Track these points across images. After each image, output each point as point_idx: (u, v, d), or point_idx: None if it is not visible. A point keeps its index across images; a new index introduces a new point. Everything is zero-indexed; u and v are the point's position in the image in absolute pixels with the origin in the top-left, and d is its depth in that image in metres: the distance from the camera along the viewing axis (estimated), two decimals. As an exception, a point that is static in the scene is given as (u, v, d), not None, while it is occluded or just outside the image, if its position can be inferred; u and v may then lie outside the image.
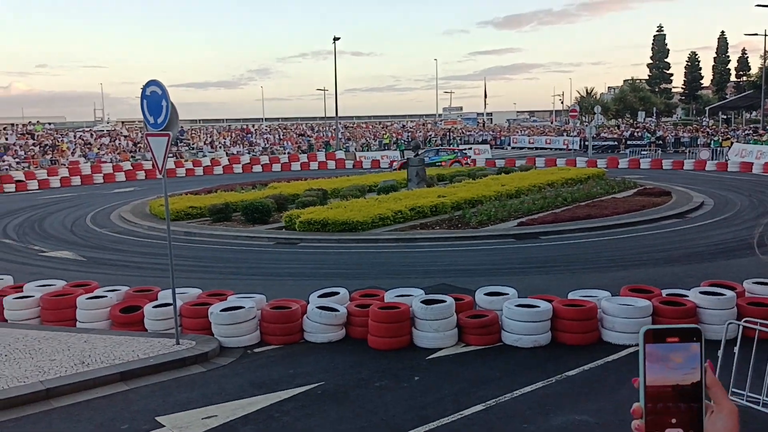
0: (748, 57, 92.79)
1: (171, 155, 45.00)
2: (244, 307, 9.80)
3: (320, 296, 10.52)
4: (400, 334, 9.47)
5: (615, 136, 58.85)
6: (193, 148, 52.83)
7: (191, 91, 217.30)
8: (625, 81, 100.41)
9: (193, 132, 62.15)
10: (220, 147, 53.65)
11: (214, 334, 9.75)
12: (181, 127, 62.36)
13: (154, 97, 9.18)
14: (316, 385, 8.16)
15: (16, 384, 7.98)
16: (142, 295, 11.06)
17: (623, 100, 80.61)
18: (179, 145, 51.28)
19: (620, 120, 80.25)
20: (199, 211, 22.14)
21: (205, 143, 54.98)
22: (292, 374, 8.58)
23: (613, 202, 23.03)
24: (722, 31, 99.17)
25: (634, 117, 76.93)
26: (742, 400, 6.81)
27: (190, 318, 10.00)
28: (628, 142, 53.01)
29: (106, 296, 10.81)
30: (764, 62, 58.74)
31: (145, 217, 23.06)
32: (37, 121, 58.63)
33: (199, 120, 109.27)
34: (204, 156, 48.57)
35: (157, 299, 10.81)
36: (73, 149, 46.65)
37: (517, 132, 72.04)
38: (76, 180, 38.37)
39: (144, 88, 9.23)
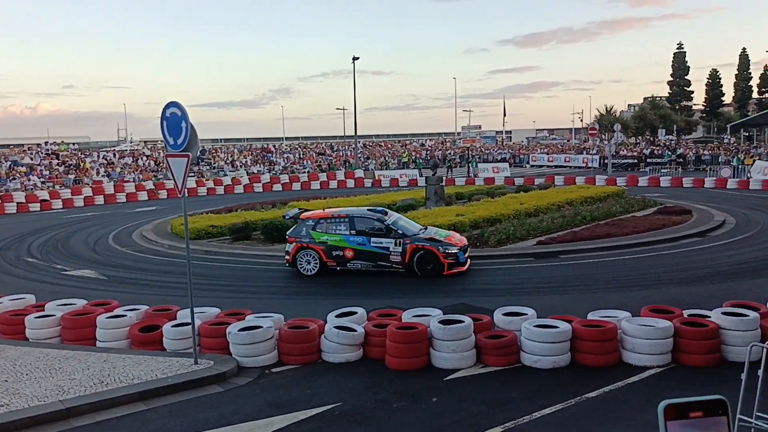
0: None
1: (192, 174, 45.54)
2: (262, 327, 9.82)
3: (338, 316, 10.53)
4: (418, 355, 9.43)
5: (635, 153, 58.49)
6: (214, 168, 53.34)
7: (213, 111, 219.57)
8: (645, 98, 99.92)
9: (214, 151, 62.74)
10: (241, 166, 54.11)
11: (232, 353, 9.77)
12: (202, 146, 63.06)
13: (173, 118, 9.30)
14: (333, 405, 8.14)
15: (37, 403, 8.05)
16: (161, 315, 11.13)
17: (643, 117, 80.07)
18: (200, 164, 51.80)
19: (640, 138, 79.72)
20: (219, 230, 22.28)
21: (226, 162, 55.49)
22: (310, 395, 8.56)
23: (632, 221, 22.83)
24: (743, 48, 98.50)
25: (654, 135, 76.44)
26: (767, 424, 6.67)
27: (208, 337, 10.05)
28: (648, 160, 52.64)
29: (125, 315, 10.90)
30: (786, 79, 58.15)
31: (166, 236, 23.26)
32: (62, 141, 59.59)
33: (221, 139, 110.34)
34: (225, 175, 49.01)
35: (175, 318, 10.87)
36: (97, 168, 47.30)
37: (537, 150, 71.87)
38: (99, 199, 38.88)
39: (164, 110, 9.35)
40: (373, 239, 15.96)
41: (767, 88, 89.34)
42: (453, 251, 15.78)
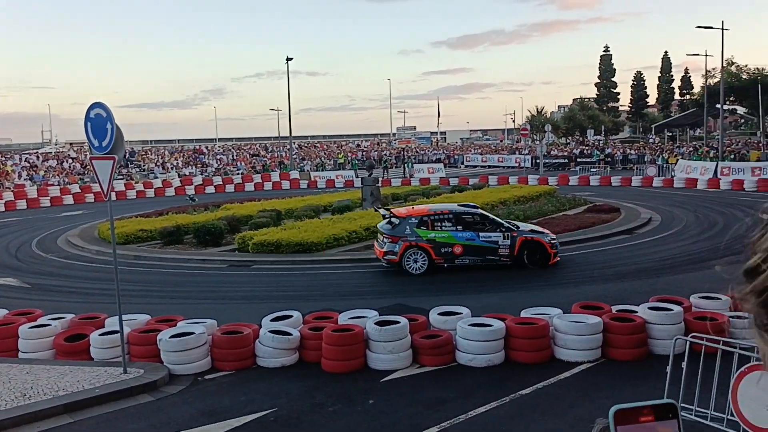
0: (690, 76, 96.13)
1: (121, 177, 44.28)
2: (194, 333, 9.59)
3: (273, 320, 10.38)
4: (354, 357, 9.39)
5: (565, 153, 60.04)
6: (144, 170, 51.96)
7: (144, 112, 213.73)
8: (574, 100, 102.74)
9: (144, 153, 61.13)
10: (172, 168, 52.88)
11: (164, 361, 9.50)
12: (131, 148, 61.43)
13: (98, 119, 8.98)
14: (268, 411, 8.01)
15: (-48, 420, 7.62)
16: (88, 323, 10.73)
17: (573, 118, 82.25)
18: (129, 166, 50.39)
19: (570, 138, 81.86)
20: (149, 234, 21.69)
21: (156, 165, 54.14)
22: (245, 401, 8.40)
23: (564, 219, 23.38)
24: (665, 52, 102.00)
25: (584, 135, 78.56)
26: (691, 414, 6.91)
27: (138, 345, 9.74)
28: (578, 160, 54.13)
29: (50, 325, 10.46)
30: (705, 81, 60.75)
31: (94, 241, 22.49)
32: (-19, 144, 56.94)
33: (151, 141, 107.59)
34: (155, 178, 47.79)
35: (103, 327, 10.50)
36: (19, 172, 45.39)
37: (471, 150, 72.89)
38: (22, 204, 37.24)
39: (88, 111, 9.02)
40: (482, 234, 16.01)
41: (688, 90, 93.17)
42: (555, 241, 16.49)
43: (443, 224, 16.08)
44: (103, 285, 15.69)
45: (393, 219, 16.29)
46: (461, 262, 16.02)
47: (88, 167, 47.41)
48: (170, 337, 9.52)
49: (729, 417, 6.46)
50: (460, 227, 16.09)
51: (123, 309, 9.55)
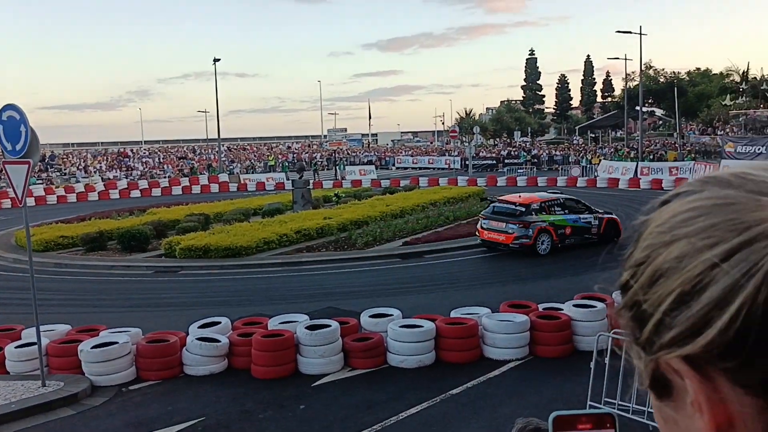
0: (611, 79, 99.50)
1: (40, 181, 42.49)
2: (117, 343, 9.27)
3: (200, 327, 10.15)
4: (285, 362, 9.28)
5: (493, 155, 61.12)
6: (65, 174, 50.05)
7: (65, 113, 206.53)
8: (501, 102, 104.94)
9: (65, 157, 58.92)
10: (95, 172, 51.14)
11: (85, 372, 9.15)
12: (52, 152, 59.16)
13: (11, 122, 8.57)
14: (196, 421, 7.82)
15: None
16: (2, 335, 10.24)
17: (500, 120, 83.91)
18: (49, 170, 48.48)
19: (498, 140, 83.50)
20: (71, 240, 20.90)
21: (78, 168, 52.24)
22: (171, 411, 8.18)
23: (493, 220, 23.76)
24: (588, 55, 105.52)
25: (511, 137, 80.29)
26: (614, 408, 7.12)
27: (57, 357, 9.35)
28: (506, 161, 55.19)
29: (-39, 338, 9.92)
30: (626, 84, 63.07)
31: (11, 249, 21.50)
32: None
33: (73, 144, 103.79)
34: (77, 182, 46.09)
35: (20, 338, 10.04)
36: (-72, 177, 43.00)
37: (402, 152, 73.33)
38: (-69, 210, 35.31)
39: None
40: (581, 216, 18.25)
41: (609, 92, 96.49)
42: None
43: (555, 209, 18.13)
44: (21, 294, 14.96)
45: (519, 207, 17.95)
46: (569, 241, 17.97)
47: (2, 172, 45.37)
48: (92, 348, 9.18)
49: (649, 410, 6.67)
50: (566, 211, 18.23)
51: (42, 319, 9.16)
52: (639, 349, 0.59)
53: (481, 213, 19.08)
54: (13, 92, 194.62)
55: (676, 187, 0.61)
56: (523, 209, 17.68)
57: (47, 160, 50.86)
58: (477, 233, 18.49)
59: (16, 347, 9.54)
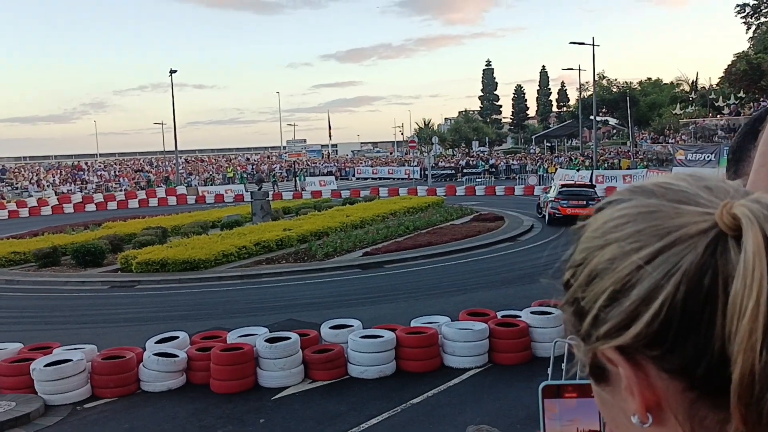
0: (566, 89, 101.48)
1: (-10, 196, 41.35)
2: (72, 360, 9.06)
3: (158, 342, 9.99)
4: (244, 376, 9.18)
5: (452, 165, 61.70)
6: (17, 188, 48.84)
7: (16, 127, 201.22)
8: (459, 112, 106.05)
9: (17, 170, 57.49)
10: (49, 186, 50.03)
11: (38, 392, 8.91)
12: (2, 165, 57.73)
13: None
14: (154, 438, 7.69)
15: None
16: (-49, 355, 9.90)
17: (458, 130, 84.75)
18: (0, 185, 47.24)
19: (456, 149, 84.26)
20: (23, 256, 20.37)
21: (30, 182, 51.05)
22: (128, 429, 8.03)
23: (451, 229, 24.01)
24: (543, 66, 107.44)
25: (469, 146, 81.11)
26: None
27: (8, 376, 9.09)
28: (465, 171, 55.77)
29: None
30: (580, 94, 64.34)
31: (-41, 266, 20.85)
32: None
33: (25, 157, 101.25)
34: (30, 196, 44.99)
35: (-31, 358, 9.73)
36: None
37: (361, 163, 73.47)
38: None
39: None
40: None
41: (564, 102, 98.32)
42: None
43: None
44: (-31, 313, 14.58)
45: (587, 189, 25.87)
46: None
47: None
48: (45, 366, 8.95)
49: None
50: None
51: (-9, 338, 8.89)
52: (579, 340, 0.65)
53: (554, 197, 25.06)
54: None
55: (609, 196, 0.67)
56: (592, 190, 25.98)
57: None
58: (556, 211, 24.34)
59: (-36, 367, 9.25)
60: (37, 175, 55.18)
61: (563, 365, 7.47)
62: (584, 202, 23.45)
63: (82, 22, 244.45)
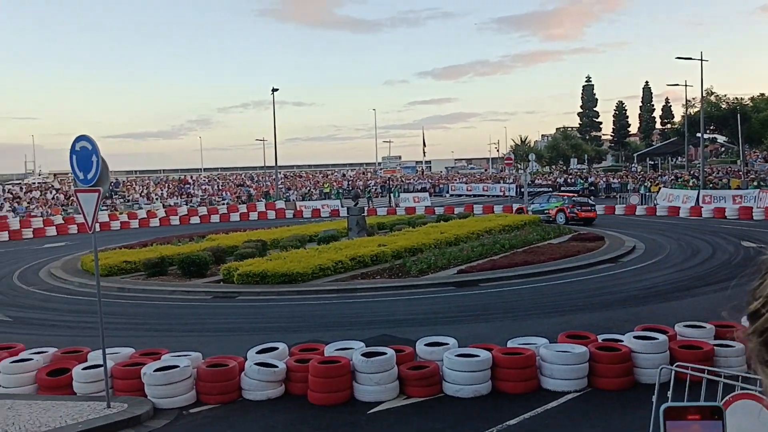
0: (671, 106, 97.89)
1: (105, 208, 44.00)
2: (179, 366, 9.49)
3: (258, 352, 10.30)
4: (341, 389, 9.32)
5: (549, 182, 60.51)
6: (128, 200, 51.75)
7: (128, 142, 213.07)
8: (557, 129, 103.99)
9: (129, 184, 60.93)
10: (157, 198, 52.73)
11: (148, 395, 9.38)
12: (116, 179, 61.23)
13: (83, 152, 8.97)
14: (254, 445, 7.91)
15: (-70, 458, 7.47)
16: (70, 357, 10.59)
17: (556, 147, 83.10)
18: (114, 197, 50.17)
19: (554, 167, 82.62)
20: (133, 265, 21.52)
21: (141, 195, 53.97)
22: (230, 435, 8.30)
23: (549, 248, 23.50)
24: (646, 81, 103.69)
25: (567, 164, 79.37)
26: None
27: (121, 379, 9.62)
28: (562, 189, 54.54)
29: (32, 359, 10.31)
30: (686, 111, 61.74)
31: (77, 273, 22.29)
32: (-37, 175, 56.54)
33: (136, 171, 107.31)
34: (140, 208, 47.57)
35: (86, 360, 10.37)
36: (1, 203, 45.03)
37: (455, 179, 73.34)
38: (4, 235, 36.83)
39: (73, 144, 9.01)
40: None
41: (669, 119, 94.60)
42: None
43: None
44: (86, 318, 15.53)
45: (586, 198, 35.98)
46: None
47: (71, 198, 47.16)
48: (154, 371, 9.42)
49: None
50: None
51: (106, 342, 9.45)
52: (766, 368, 0.65)
53: (568, 203, 33.54)
54: (80, 122, 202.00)
55: None
56: (590, 199, 36.53)
57: (112, 187, 52.67)
58: (574, 215, 32.72)
59: (83, 369, 9.86)
60: (146, 188, 58.28)
61: (669, 393, 7.16)
62: (590, 208, 33.34)
63: (190, 44, 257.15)
